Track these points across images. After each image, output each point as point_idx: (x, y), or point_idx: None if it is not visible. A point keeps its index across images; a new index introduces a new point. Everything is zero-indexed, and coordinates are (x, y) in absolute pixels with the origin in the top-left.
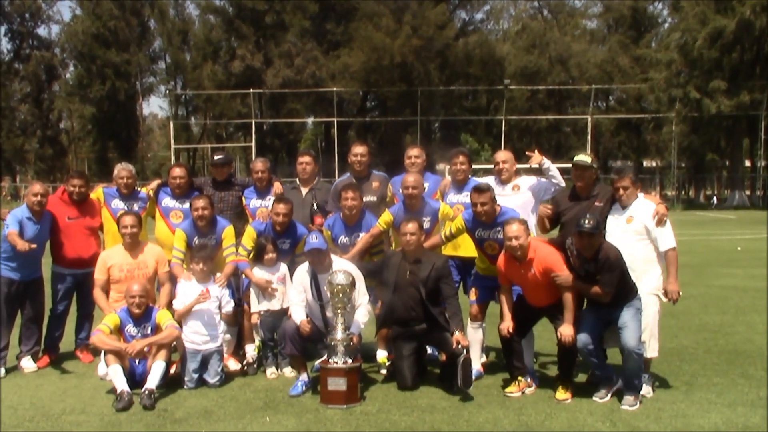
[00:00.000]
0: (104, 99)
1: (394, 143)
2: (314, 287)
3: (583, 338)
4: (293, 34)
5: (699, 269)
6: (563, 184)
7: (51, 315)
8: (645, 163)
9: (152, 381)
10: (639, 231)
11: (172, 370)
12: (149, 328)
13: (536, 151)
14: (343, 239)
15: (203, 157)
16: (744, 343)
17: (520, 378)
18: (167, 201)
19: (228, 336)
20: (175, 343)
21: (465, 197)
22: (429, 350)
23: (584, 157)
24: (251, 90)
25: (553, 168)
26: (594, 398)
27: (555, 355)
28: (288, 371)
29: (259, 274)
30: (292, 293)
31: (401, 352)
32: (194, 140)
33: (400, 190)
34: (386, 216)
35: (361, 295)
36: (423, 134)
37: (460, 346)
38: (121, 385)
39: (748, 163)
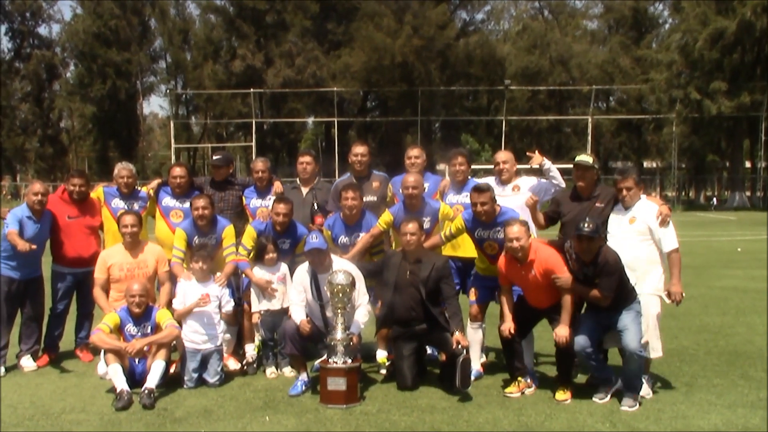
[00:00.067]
0: (105, 98)
1: (394, 143)
2: (314, 287)
3: (582, 341)
4: (294, 33)
5: (699, 270)
6: (563, 184)
7: (51, 314)
8: (645, 164)
9: (152, 380)
10: (642, 231)
11: (172, 370)
12: (149, 328)
13: (537, 151)
14: (343, 239)
15: (204, 156)
16: (744, 345)
17: (520, 378)
18: (167, 200)
19: (228, 335)
20: (174, 342)
21: (464, 198)
22: (429, 350)
23: (586, 158)
24: (252, 90)
25: (553, 168)
26: (594, 399)
27: (554, 356)
28: (288, 371)
29: (259, 273)
30: (292, 293)
31: (401, 352)
32: (195, 140)
33: (401, 190)
34: (386, 216)
35: (361, 295)
36: (423, 134)
37: (459, 347)
38: (121, 384)
39: (748, 164)
